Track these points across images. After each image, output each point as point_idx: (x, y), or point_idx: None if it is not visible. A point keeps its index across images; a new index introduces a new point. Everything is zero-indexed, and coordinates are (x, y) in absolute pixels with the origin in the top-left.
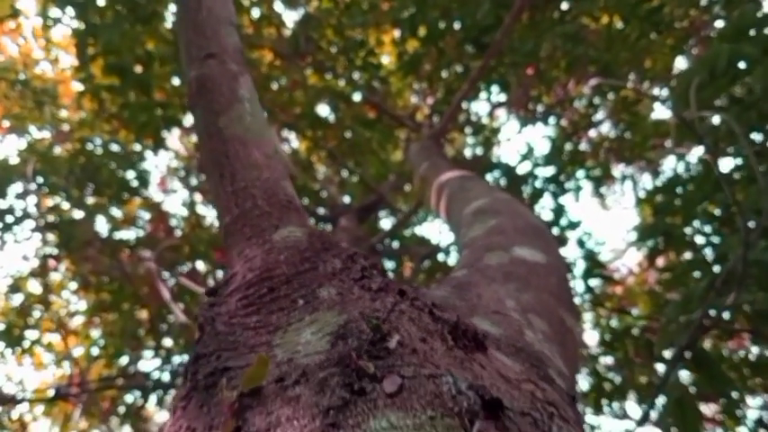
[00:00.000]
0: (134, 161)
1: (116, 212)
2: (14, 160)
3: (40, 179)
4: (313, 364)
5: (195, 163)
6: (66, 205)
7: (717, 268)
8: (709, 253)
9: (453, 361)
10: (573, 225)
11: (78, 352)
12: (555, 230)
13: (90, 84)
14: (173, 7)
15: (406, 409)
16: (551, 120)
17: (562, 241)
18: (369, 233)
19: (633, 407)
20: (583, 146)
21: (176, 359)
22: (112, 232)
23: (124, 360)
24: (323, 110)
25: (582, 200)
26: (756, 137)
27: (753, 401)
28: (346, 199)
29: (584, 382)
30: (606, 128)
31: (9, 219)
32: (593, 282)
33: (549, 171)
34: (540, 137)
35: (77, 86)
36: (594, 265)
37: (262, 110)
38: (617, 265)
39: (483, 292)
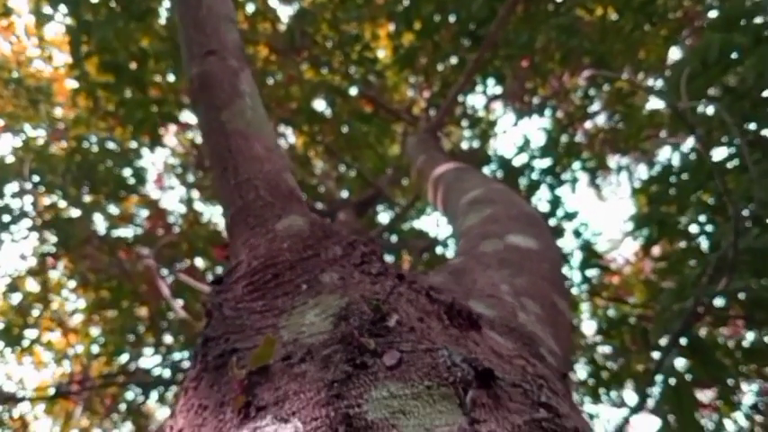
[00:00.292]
0: (130, 158)
1: (113, 210)
2: (10, 159)
3: (37, 178)
4: (317, 343)
5: (192, 159)
6: (63, 203)
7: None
8: (703, 241)
9: (449, 338)
10: (569, 216)
11: (78, 350)
12: (552, 221)
13: (85, 81)
14: (167, 3)
15: (404, 380)
16: (547, 112)
17: (559, 232)
18: (367, 227)
19: (631, 395)
20: (578, 137)
21: (176, 355)
22: (110, 230)
23: (124, 357)
24: (319, 105)
25: (578, 191)
26: (750, 126)
27: (748, 387)
28: (344, 193)
29: (582, 371)
30: (601, 119)
31: (6, 218)
32: (591, 272)
33: (546, 163)
34: (535, 129)
35: (72, 84)
36: (591, 256)
37: (262, 104)
38: (614, 255)
39: (478, 278)
